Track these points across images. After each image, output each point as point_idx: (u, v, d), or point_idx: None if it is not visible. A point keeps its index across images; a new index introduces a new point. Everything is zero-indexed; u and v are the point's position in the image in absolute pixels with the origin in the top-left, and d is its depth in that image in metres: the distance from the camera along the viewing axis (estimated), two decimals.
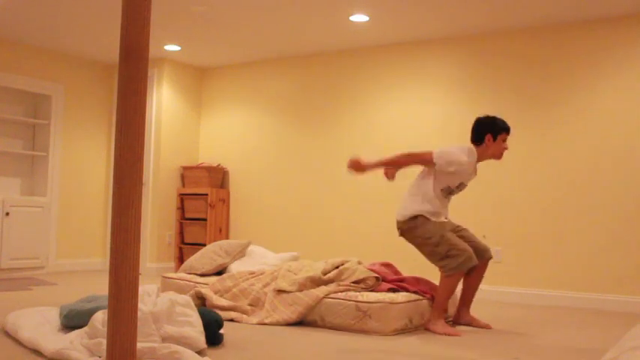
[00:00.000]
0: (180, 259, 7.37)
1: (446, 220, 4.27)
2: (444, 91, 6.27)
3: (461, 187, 4.26)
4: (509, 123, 5.98)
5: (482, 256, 4.22)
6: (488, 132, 4.21)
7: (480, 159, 4.26)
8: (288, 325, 4.10)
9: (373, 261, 4.94)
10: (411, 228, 4.16)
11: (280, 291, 4.25)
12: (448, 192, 4.22)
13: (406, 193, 4.27)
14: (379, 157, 4.17)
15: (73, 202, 7.44)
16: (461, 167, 4.10)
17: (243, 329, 3.89)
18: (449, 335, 3.91)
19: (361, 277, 4.20)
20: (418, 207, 4.14)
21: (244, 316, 4.24)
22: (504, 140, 4.23)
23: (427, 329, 4.08)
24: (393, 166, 4.24)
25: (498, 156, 4.27)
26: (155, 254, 7.33)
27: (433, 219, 4.15)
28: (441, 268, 4.08)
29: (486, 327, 4.19)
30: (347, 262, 4.47)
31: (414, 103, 6.42)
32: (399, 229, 4.26)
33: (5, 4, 5.63)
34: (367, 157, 4.16)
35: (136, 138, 1.86)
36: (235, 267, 5.05)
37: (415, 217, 4.14)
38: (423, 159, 4.16)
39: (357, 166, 4.08)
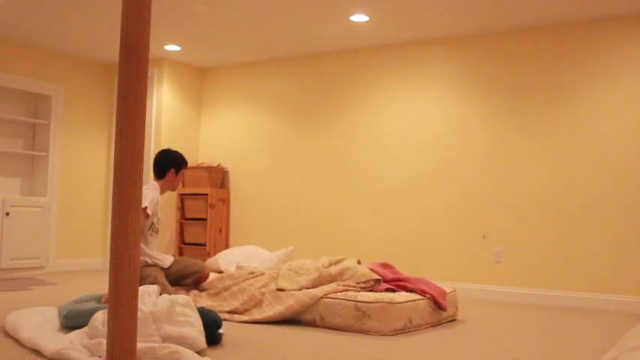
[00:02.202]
0: None
1: (161, 262, 4.44)
2: (444, 91, 6.27)
3: (157, 220, 4.47)
4: (509, 123, 6.02)
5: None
6: (172, 167, 4.51)
7: (163, 191, 4.52)
8: (282, 321, 4.10)
9: (372, 261, 4.94)
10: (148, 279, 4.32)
11: (280, 290, 4.26)
12: (155, 231, 4.44)
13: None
14: None
15: (73, 202, 7.44)
16: (155, 200, 4.36)
17: (243, 329, 3.88)
18: None
19: (363, 279, 4.21)
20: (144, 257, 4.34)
21: (236, 315, 4.24)
22: (183, 175, 4.64)
23: None
24: None
25: (175, 188, 4.62)
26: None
27: (155, 262, 4.37)
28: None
29: None
30: (345, 259, 4.48)
31: (414, 103, 6.42)
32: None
33: (5, 4, 5.63)
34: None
35: (136, 138, 1.86)
36: (224, 262, 5.07)
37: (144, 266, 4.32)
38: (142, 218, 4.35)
39: None
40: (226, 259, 5.52)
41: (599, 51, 5.57)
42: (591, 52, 5.60)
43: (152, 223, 4.38)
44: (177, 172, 4.50)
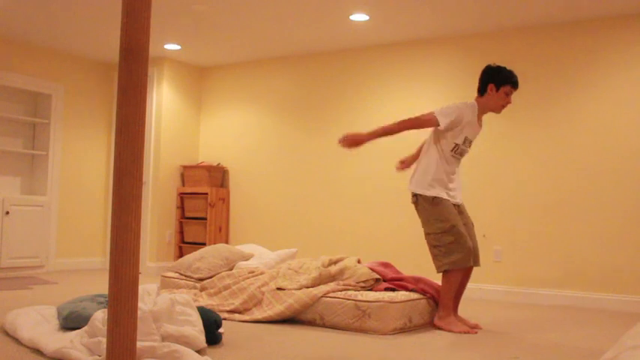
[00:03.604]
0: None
1: (460, 203, 4.19)
2: (444, 90, 6.27)
3: (466, 143, 4.14)
4: (510, 122, 6.02)
5: (475, 262, 4.15)
6: (491, 82, 4.08)
7: (482, 111, 4.15)
8: (282, 320, 4.11)
9: (372, 260, 4.94)
10: (428, 203, 4.05)
11: (280, 289, 4.26)
12: (457, 151, 4.11)
13: (419, 165, 4.15)
14: (376, 127, 4.04)
15: (73, 201, 7.44)
16: (464, 121, 4.02)
17: (243, 329, 3.89)
18: (466, 333, 3.90)
19: (363, 279, 4.21)
20: (434, 187, 4.05)
21: (236, 314, 4.24)
22: (507, 94, 4.08)
23: (438, 327, 4.05)
24: (393, 133, 4.09)
25: (497, 109, 4.14)
26: (155, 253, 7.33)
27: (451, 199, 4.08)
28: (433, 256, 4.03)
29: (476, 327, 4.16)
30: (345, 258, 4.48)
31: (414, 102, 6.42)
32: (413, 196, 4.15)
33: (5, 4, 5.63)
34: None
35: (135, 137, 1.87)
36: None
37: (432, 199, 4.05)
38: (426, 121, 4.03)
39: (353, 140, 3.96)
40: None
41: (599, 51, 5.57)
42: (591, 52, 5.60)
43: (456, 144, 4.05)
44: (497, 89, 4.04)
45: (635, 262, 5.30)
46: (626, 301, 5.29)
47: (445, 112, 4.01)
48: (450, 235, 3.99)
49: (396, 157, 6.46)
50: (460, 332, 3.93)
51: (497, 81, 4.07)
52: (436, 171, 4.08)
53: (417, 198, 4.14)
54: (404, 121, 4.07)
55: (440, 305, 4.08)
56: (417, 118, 4.07)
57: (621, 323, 4.53)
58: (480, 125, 4.19)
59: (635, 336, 1.62)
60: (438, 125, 4.01)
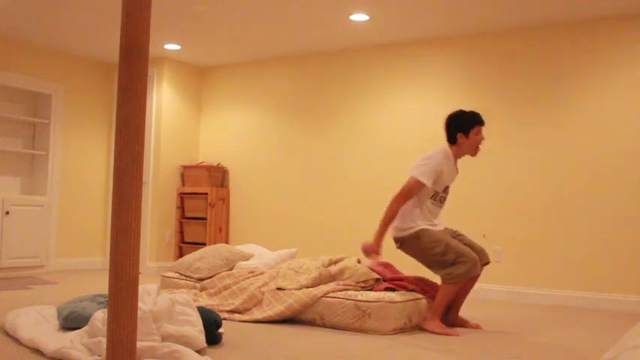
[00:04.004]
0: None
1: (444, 229, 4.25)
2: (444, 91, 6.27)
3: (446, 190, 4.24)
4: (510, 122, 6.01)
5: (481, 259, 4.17)
6: (458, 131, 4.15)
7: (457, 157, 4.22)
8: (282, 320, 4.11)
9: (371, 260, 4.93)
10: (414, 239, 4.12)
11: (279, 289, 4.26)
12: (436, 198, 4.19)
13: (397, 216, 4.17)
14: (377, 228, 4.10)
15: (73, 201, 7.44)
16: (444, 172, 4.11)
17: (243, 329, 3.89)
18: (448, 335, 3.91)
19: (363, 278, 4.20)
20: (415, 224, 4.11)
21: (236, 314, 4.24)
22: (477, 133, 4.15)
23: (423, 328, 4.07)
24: (393, 218, 4.11)
25: (473, 152, 4.20)
26: (155, 253, 7.33)
27: (434, 229, 4.14)
28: (445, 275, 4.01)
29: (477, 327, 4.16)
30: (345, 258, 4.48)
31: (414, 103, 6.42)
32: (397, 241, 4.24)
33: (5, 4, 5.63)
34: (370, 238, 4.14)
35: (135, 137, 1.86)
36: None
37: (416, 233, 4.11)
38: (412, 189, 4.07)
39: (370, 251, 4.06)
40: None
41: (599, 51, 5.57)
42: (591, 52, 5.60)
43: (435, 191, 4.12)
44: (466, 135, 4.12)
45: (635, 262, 5.30)
46: (626, 301, 5.29)
47: (423, 172, 4.05)
48: (449, 254, 4.00)
49: (396, 156, 6.48)
50: (441, 334, 3.94)
51: (463, 128, 4.15)
52: (416, 214, 4.13)
53: (400, 242, 4.21)
54: (393, 202, 4.09)
55: (432, 309, 4.09)
56: (403, 191, 4.08)
57: (621, 323, 4.53)
58: (457, 170, 4.28)
59: (635, 336, 1.62)
60: (424, 186, 4.05)
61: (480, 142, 4.17)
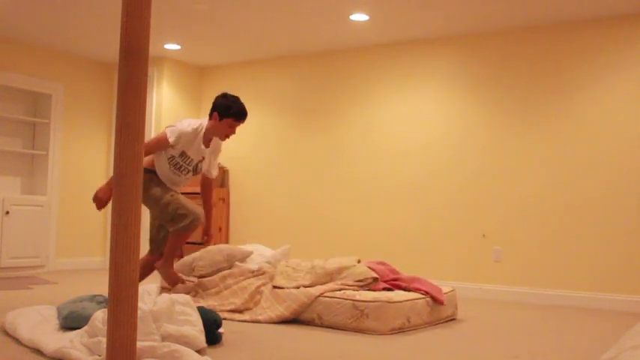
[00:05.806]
0: (180, 258, 7.36)
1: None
2: (443, 90, 6.27)
3: (186, 160, 4.20)
4: (510, 122, 6.01)
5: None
6: (214, 110, 4.24)
7: (207, 134, 4.24)
8: (282, 322, 4.11)
9: (369, 260, 4.93)
10: (145, 182, 4.03)
11: (277, 287, 4.26)
12: (175, 165, 4.18)
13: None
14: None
15: (73, 200, 7.44)
16: (182, 140, 4.11)
17: (243, 328, 3.89)
18: (180, 283, 4.32)
19: (361, 277, 4.20)
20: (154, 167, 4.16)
21: (236, 314, 4.24)
22: (231, 126, 4.22)
23: (157, 269, 4.40)
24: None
25: (220, 137, 4.29)
26: None
27: (167, 184, 4.19)
28: (170, 227, 4.16)
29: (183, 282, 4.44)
30: (343, 258, 4.48)
31: (414, 102, 6.42)
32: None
33: (5, 4, 5.63)
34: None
35: (135, 137, 1.87)
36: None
37: (150, 172, 4.12)
38: (160, 142, 4.10)
39: (101, 199, 4.03)
40: None
41: (598, 51, 5.57)
42: (591, 52, 5.60)
43: (172, 155, 4.14)
44: (220, 118, 4.20)
45: (636, 262, 5.30)
46: (626, 301, 5.29)
47: (173, 131, 4.12)
48: (172, 205, 4.09)
49: (396, 156, 6.48)
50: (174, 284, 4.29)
51: (220, 111, 4.21)
52: (161, 168, 4.18)
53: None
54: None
55: (165, 256, 4.32)
56: (151, 142, 4.14)
57: (621, 323, 4.53)
58: (208, 146, 4.29)
59: (635, 336, 1.62)
60: (171, 145, 4.10)
61: (230, 134, 4.28)
